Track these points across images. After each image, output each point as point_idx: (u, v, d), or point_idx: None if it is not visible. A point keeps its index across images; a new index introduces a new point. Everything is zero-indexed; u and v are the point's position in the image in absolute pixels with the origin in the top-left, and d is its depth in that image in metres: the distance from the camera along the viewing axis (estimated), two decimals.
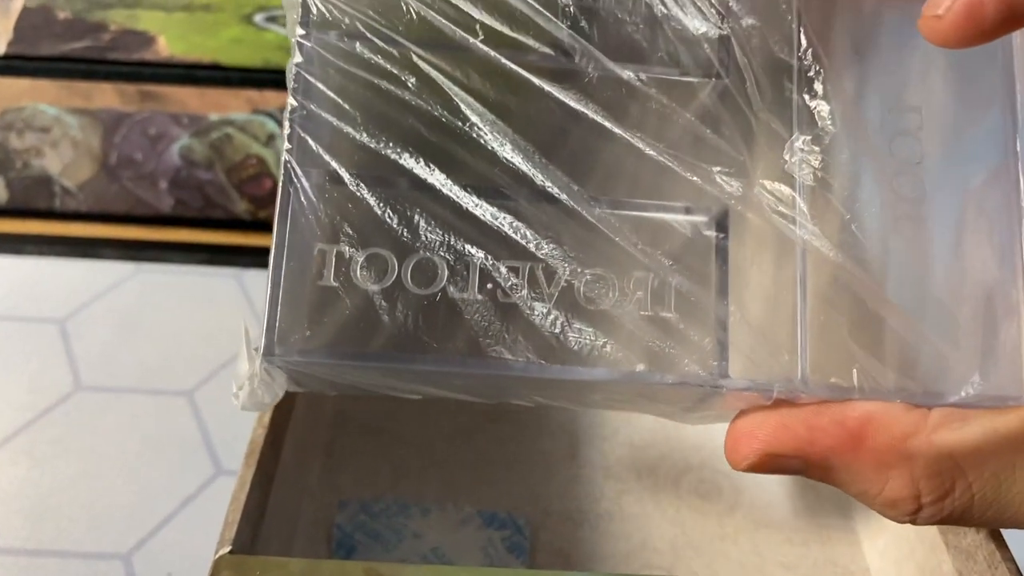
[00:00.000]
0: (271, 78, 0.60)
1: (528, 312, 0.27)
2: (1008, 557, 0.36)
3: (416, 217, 0.27)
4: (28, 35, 0.58)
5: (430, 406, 0.54)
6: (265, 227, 0.67)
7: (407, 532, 0.46)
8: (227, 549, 0.33)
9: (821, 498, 0.50)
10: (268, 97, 0.62)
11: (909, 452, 0.25)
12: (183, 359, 0.60)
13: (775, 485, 0.50)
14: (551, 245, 0.27)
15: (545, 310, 0.27)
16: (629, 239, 0.27)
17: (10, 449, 0.53)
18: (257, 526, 0.37)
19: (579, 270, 0.27)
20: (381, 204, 0.27)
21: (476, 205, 0.27)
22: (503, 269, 0.27)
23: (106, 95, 0.62)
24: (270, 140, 0.64)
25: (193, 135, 0.63)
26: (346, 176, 0.27)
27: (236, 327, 0.63)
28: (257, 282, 0.67)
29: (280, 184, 0.27)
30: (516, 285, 0.27)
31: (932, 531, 0.41)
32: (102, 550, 0.48)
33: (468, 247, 0.27)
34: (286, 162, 0.27)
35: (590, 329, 0.27)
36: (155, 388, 0.57)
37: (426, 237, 0.27)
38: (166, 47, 0.59)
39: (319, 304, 0.26)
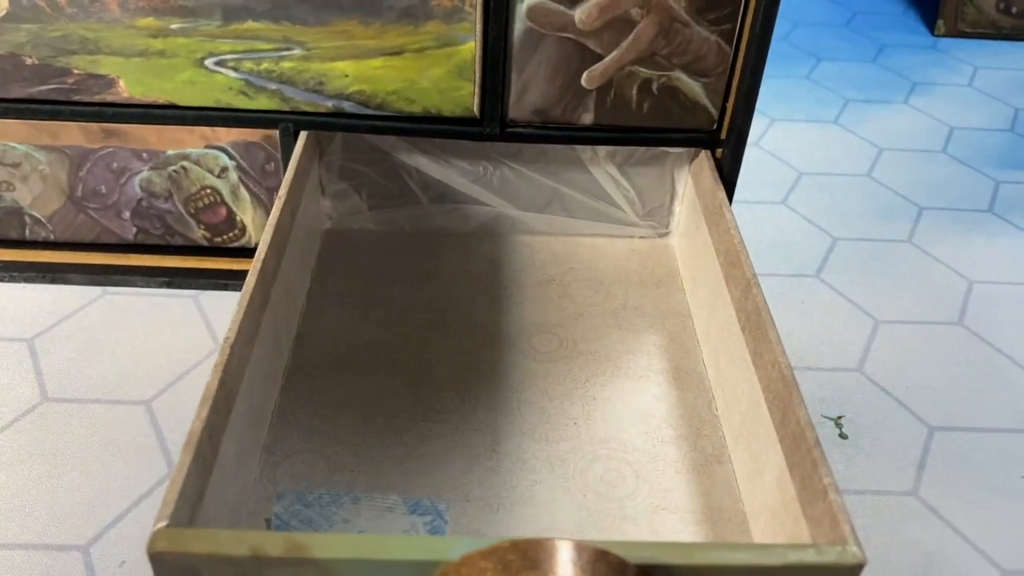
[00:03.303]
0: (222, 116, 0.66)
1: None
2: (845, 519, 0.42)
3: None
4: None
5: (367, 409, 0.59)
6: (221, 252, 0.73)
7: (337, 519, 0.51)
8: (163, 524, 0.39)
9: (716, 484, 0.56)
10: (220, 133, 0.68)
11: None
12: (143, 372, 0.65)
13: (674, 473, 0.56)
14: None
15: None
16: None
17: None
18: (195, 508, 0.42)
19: None
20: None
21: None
22: None
23: (72, 133, 0.68)
24: (223, 172, 0.69)
25: (152, 168, 0.69)
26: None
27: (191, 343, 0.68)
28: (213, 302, 0.72)
29: None
30: None
31: (796, 507, 0.47)
32: (62, 543, 0.53)
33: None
34: None
35: None
36: (116, 399, 0.62)
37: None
38: (126, 89, 0.65)
39: None
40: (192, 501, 0.42)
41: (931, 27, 1.34)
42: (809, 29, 1.32)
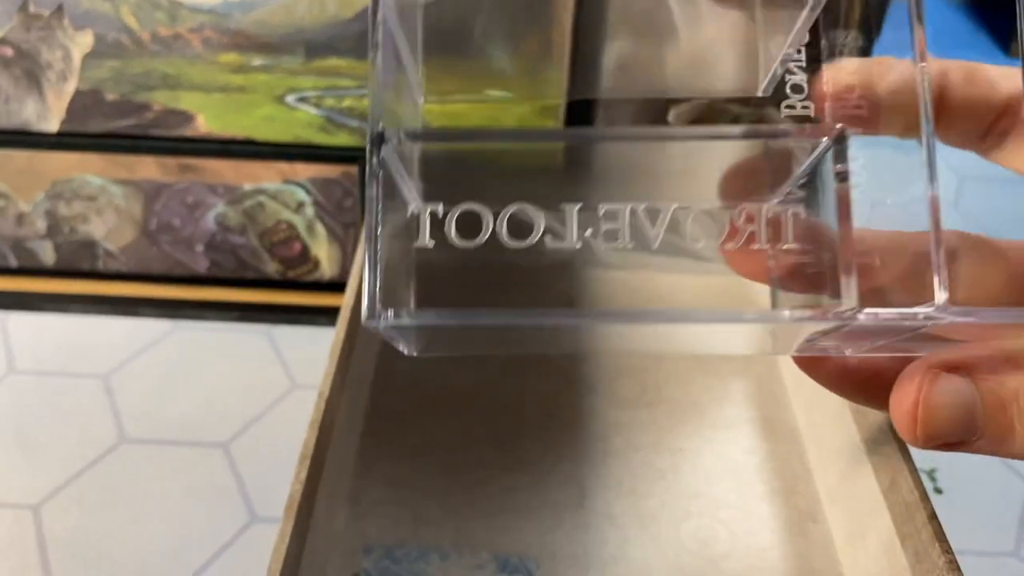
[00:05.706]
0: (301, 152, 0.65)
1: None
2: None
3: (507, 167, 0.25)
4: (79, 115, 0.64)
5: (449, 457, 0.58)
6: (294, 286, 0.72)
7: None
8: None
9: (811, 545, 0.54)
10: (298, 169, 0.67)
11: None
12: (218, 412, 0.64)
13: (769, 532, 0.54)
14: (651, 181, 0.25)
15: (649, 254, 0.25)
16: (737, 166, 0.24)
17: (62, 499, 0.57)
18: (295, 573, 0.41)
19: (685, 207, 0.24)
20: (469, 156, 0.25)
21: (568, 144, 0.26)
22: (601, 213, 0.24)
23: (148, 167, 0.67)
24: (300, 207, 0.69)
25: (228, 203, 0.68)
26: (431, 130, 0.26)
27: (266, 381, 0.67)
28: (286, 337, 0.71)
29: (368, 147, 0.24)
30: (615, 230, 0.24)
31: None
32: None
33: (564, 192, 0.24)
34: (372, 121, 0.24)
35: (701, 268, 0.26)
36: (194, 440, 0.62)
37: (517, 187, 0.25)
38: (204, 124, 0.64)
39: (418, 266, 0.25)
40: (292, 569, 0.41)
41: (1005, 48, 1.30)
42: None
